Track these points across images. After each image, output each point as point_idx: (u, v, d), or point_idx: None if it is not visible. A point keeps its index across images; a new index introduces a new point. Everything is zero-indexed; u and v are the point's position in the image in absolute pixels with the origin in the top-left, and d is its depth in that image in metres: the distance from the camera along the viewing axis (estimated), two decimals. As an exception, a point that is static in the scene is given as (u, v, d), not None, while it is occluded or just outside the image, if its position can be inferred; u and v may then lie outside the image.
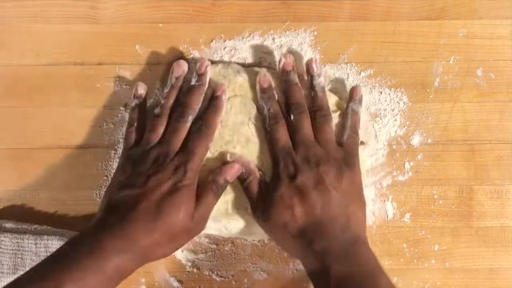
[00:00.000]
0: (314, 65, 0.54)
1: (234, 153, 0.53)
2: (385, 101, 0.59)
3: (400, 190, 0.58)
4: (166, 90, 0.55)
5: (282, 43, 0.60)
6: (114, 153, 0.58)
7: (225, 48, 0.60)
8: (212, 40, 0.60)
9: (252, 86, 0.56)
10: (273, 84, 0.55)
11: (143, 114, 0.55)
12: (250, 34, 0.60)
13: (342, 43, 0.60)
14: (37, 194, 0.58)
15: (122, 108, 0.59)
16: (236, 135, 0.54)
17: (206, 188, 0.50)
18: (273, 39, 0.60)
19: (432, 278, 0.57)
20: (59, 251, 0.45)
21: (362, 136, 0.58)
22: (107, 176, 0.58)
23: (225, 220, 0.53)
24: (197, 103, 0.53)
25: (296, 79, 0.55)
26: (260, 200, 0.51)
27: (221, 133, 0.54)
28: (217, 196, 0.51)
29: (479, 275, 0.57)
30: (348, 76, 0.59)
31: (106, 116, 0.59)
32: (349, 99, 0.55)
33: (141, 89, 0.56)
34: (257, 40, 0.60)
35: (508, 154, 0.58)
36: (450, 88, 0.59)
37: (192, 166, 0.49)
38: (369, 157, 0.58)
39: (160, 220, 0.46)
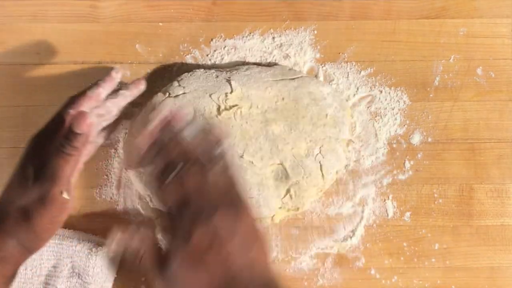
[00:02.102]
0: (174, 123, 0.49)
1: None
2: (385, 100, 0.59)
3: (400, 189, 0.58)
4: None
5: (282, 42, 0.60)
6: (114, 152, 0.58)
7: (225, 47, 0.60)
8: (212, 39, 0.60)
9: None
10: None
11: None
12: (250, 33, 0.60)
13: (342, 42, 0.60)
14: (38, 193, 0.58)
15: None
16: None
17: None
18: (273, 38, 0.60)
19: (433, 277, 0.57)
20: None
21: (362, 135, 0.58)
22: (107, 175, 0.58)
23: None
24: None
25: (170, 135, 0.50)
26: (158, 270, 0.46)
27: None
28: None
29: (479, 273, 0.57)
30: (348, 75, 0.59)
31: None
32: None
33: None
34: (257, 39, 0.60)
35: (508, 153, 0.58)
36: (450, 87, 0.59)
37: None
38: (369, 156, 0.58)
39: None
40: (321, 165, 0.55)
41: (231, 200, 0.48)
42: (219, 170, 0.49)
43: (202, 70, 0.58)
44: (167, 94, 0.56)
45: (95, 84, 0.51)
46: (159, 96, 0.56)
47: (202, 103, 0.56)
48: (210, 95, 0.56)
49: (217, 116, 0.56)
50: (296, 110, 0.56)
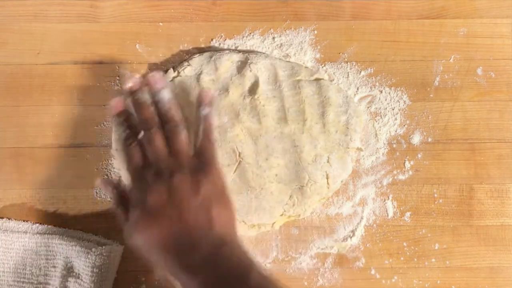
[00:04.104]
0: (151, 81, 0.52)
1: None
2: (385, 100, 0.59)
3: (400, 189, 0.58)
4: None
5: (282, 42, 0.60)
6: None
7: (225, 47, 0.60)
8: (212, 39, 0.60)
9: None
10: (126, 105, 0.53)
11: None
12: (250, 33, 0.60)
13: (342, 42, 0.60)
14: (37, 193, 0.58)
15: (122, 107, 0.59)
16: None
17: None
18: (273, 38, 0.60)
19: (432, 277, 0.57)
20: None
21: (362, 135, 0.58)
22: (107, 175, 0.58)
23: None
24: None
25: (144, 97, 0.52)
26: (125, 224, 0.50)
27: None
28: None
29: (479, 273, 0.57)
30: (348, 75, 0.59)
31: (106, 115, 0.59)
32: (198, 104, 0.53)
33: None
34: (257, 39, 0.60)
35: (508, 153, 0.58)
36: (450, 87, 0.59)
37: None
38: (369, 156, 0.58)
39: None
40: (327, 174, 0.55)
41: (197, 162, 0.50)
42: (190, 134, 0.52)
43: (211, 52, 0.58)
44: (177, 72, 0.57)
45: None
46: (170, 73, 0.57)
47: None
48: (231, 78, 0.57)
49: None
50: (310, 114, 0.56)
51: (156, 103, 0.52)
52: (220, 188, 0.49)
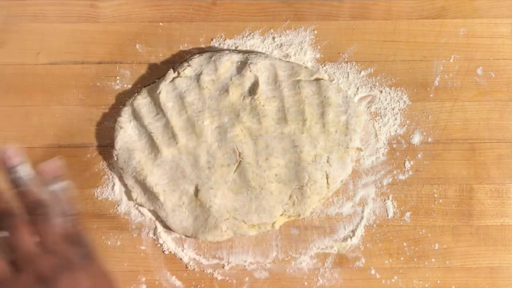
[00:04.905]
0: (4, 157, 0.43)
1: None
2: (385, 100, 0.59)
3: (400, 189, 0.58)
4: None
5: (282, 42, 0.60)
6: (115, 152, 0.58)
7: (225, 47, 0.60)
8: (212, 39, 0.60)
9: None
10: None
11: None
12: (250, 33, 0.60)
13: (342, 42, 0.60)
14: (38, 193, 0.58)
15: (122, 107, 0.59)
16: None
17: None
18: (273, 38, 0.60)
19: (433, 277, 0.57)
20: None
21: (362, 135, 0.58)
22: (107, 175, 0.58)
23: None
24: None
25: None
26: None
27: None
28: None
29: (479, 274, 0.57)
30: (348, 75, 0.59)
31: (106, 115, 0.59)
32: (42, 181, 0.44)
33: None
34: (257, 39, 0.60)
35: (508, 153, 0.58)
36: (450, 87, 0.59)
37: None
38: (369, 156, 0.58)
39: None
40: (327, 174, 0.55)
41: (76, 250, 0.41)
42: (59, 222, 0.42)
43: (211, 52, 0.58)
44: (177, 72, 0.57)
45: None
46: (170, 73, 0.57)
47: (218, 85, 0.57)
48: (231, 78, 0.57)
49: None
50: (310, 114, 0.56)
51: (13, 183, 0.43)
52: (100, 273, 0.41)
